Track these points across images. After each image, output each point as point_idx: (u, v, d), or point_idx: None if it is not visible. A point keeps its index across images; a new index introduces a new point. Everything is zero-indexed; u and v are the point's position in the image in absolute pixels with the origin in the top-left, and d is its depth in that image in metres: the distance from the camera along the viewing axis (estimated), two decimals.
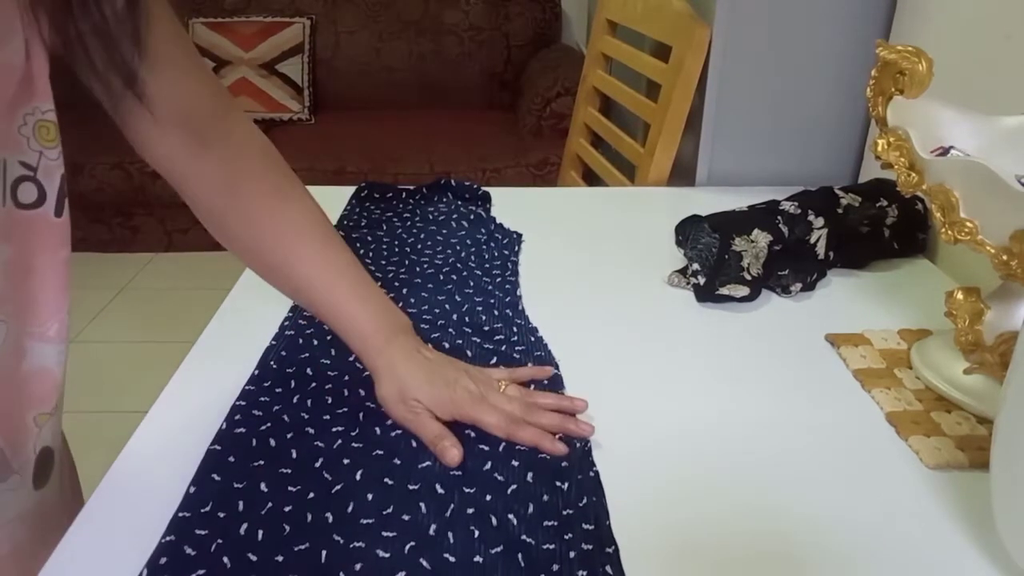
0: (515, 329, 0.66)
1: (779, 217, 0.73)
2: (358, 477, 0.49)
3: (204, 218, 0.58)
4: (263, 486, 0.48)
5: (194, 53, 0.55)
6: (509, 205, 0.92)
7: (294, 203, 0.59)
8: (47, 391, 0.51)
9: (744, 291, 0.70)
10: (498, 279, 0.75)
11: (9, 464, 0.49)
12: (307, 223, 0.59)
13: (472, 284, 0.73)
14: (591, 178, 1.42)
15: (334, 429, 0.53)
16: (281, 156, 0.60)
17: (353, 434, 0.53)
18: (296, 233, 0.58)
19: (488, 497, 0.47)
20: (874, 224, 0.78)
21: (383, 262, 0.78)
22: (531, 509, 0.46)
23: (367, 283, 0.60)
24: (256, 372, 0.59)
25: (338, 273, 0.59)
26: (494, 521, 0.45)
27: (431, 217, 0.88)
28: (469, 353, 0.62)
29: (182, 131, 0.54)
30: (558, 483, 0.48)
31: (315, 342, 0.63)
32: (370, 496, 0.47)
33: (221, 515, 0.46)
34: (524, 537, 0.44)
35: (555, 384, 0.59)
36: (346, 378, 0.59)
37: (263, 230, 0.58)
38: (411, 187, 0.95)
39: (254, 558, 0.43)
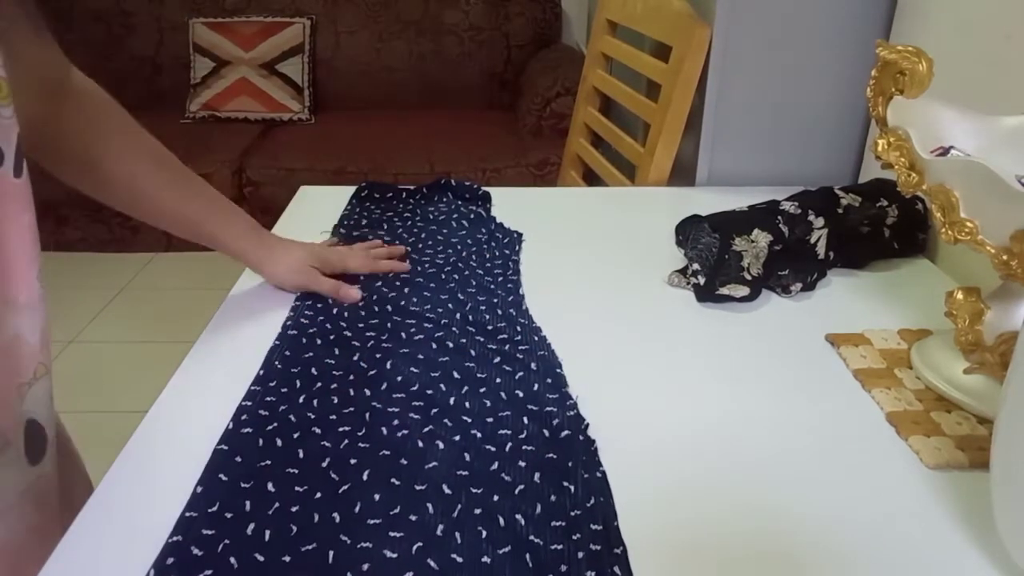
0: (518, 328, 0.66)
1: (779, 217, 0.73)
2: (365, 477, 0.49)
3: (74, 177, 0.62)
4: (270, 486, 0.48)
5: (21, 16, 0.55)
6: (509, 205, 0.93)
7: (146, 138, 0.65)
8: (23, 360, 0.50)
9: (744, 291, 0.71)
10: (500, 278, 0.75)
11: (4, 436, 0.49)
12: (162, 155, 0.66)
13: (474, 283, 0.74)
14: (591, 178, 1.43)
15: (340, 429, 0.53)
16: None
17: (360, 434, 0.53)
18: (157, 164, 0.65)
19: (495, 497, 0.48)
20: (874, 224, 0.78)
21: None
22: (539, 509, 0.47)
23: (218, 197, 0.70)
24: (261, 372, 0.60)
25: (194, 194, 0.68)
26: (502, 521, 0.46)
27: (431, 217, 0.88)
28: (472, 352, 0.62)
29: (37, 99, 0.56)
30: (565, 483, 0.49)
31: (318, 341, 0.64)
32: (377, 496, 0.47)
33: (228, 515, 0.46)
34: (532, 538, 0.45)
35: (557, 383, 0.59)
36: (351, 377, 0.59)
37: (130, 167, 0.64)
38: (411, 187, 0.95)
39: (261, 558, 0.43)
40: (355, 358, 0.61)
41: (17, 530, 0.51)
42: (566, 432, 0.53)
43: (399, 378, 0.59)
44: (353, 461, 0.51)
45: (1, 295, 0.48)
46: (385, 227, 0.86)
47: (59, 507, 0.54)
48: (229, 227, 0.70)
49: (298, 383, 0.58)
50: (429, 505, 0.47)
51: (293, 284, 0.71)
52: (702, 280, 0.71)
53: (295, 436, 0.53)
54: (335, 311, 0.68)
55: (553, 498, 0.48)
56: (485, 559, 0.43)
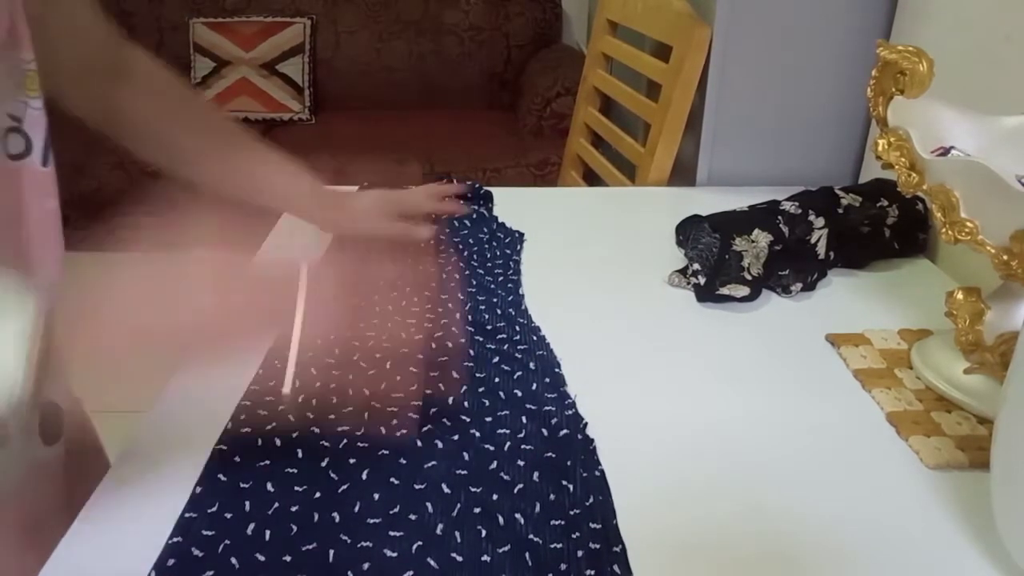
0: (518, 328, 0.66)
1: (779, 217, 0.73)
2: (364, 477, 0.49)
3: (141, 148, 0.66)
4: (269, 486, 0.48)
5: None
6: (510, 205, 0.93)
7: (208, 110, 0.70)
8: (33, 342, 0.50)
9: (744, 291, 0.71)
10: (500, 278, 0.75)
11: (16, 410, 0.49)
12: (221, 125, 0.70)
13: (475, 283, 0.74)
14: (591, 178, 1.43)
15: (339, 428, 0.53)
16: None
17: (358, 433, 0.53)
18: (217, 134, 0.69)
19: (495, 496, 0.48)
20: (874, 224, 0.78)
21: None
22: (538, 508, 0.47)
23: (283, 160, 0.73)
24: (260, 371, 0.60)
25: (259, 160, 0.71)
26: (501, 520, 0.46)
27: (432, 216, 0.88)
28: (472, 352, 0.62)
29: (98, 78, 0.61)
30: (564, 482, 0.49)
31: (318, 340, 0.63)
32: (376, 496, 0.47)
33: (228, 515, 0.46)
34: (531, 536, 0.45)
35: (556, 383, 0.59)
36: (350, 377, 0.59)
37: (193, 140, 0.68)
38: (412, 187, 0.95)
39: (262, 558, 0.43)
40: (355, 358, 0.61)
41: (22, 508, 0.52)
42: (565, 431, 0.53)
43: (398, 377, 0.59)
44: (352, 460, 0.50)
45: (26, 280, 0.48)
46: None
47: (65, 486, 0.55)
48: (296, 189, 0.74)
49: (297, 382, 0.58)
50: (428, 504, 0.47)
51: (365, 232, 0.74)
52: (702, 280, 0.71)
53: (294, 436, 0.53)
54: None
55: (552, 497, 0.48)
56: (485, 558, 0.43)
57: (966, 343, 0.57)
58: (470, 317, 0.68)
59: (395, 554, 0.43)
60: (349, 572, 0.42)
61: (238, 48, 2.74)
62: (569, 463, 0.50)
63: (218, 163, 0.69)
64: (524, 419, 0.55)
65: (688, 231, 0.75)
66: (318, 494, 0.48)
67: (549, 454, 0.51)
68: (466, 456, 0.51)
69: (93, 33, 0.61)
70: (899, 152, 0.57)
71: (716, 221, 0.72)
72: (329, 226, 0.75)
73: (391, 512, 0.46)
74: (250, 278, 0.49)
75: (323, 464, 0.50)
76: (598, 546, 0.44)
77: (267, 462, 0.50)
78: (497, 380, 0.59)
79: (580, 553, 0.44)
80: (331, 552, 0.44)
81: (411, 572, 0.42)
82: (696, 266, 0.72)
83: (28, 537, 0.50)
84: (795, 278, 0.72)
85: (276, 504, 0.47)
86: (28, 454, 0.52)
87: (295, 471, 0.50)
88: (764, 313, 0.71)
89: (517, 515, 0.46)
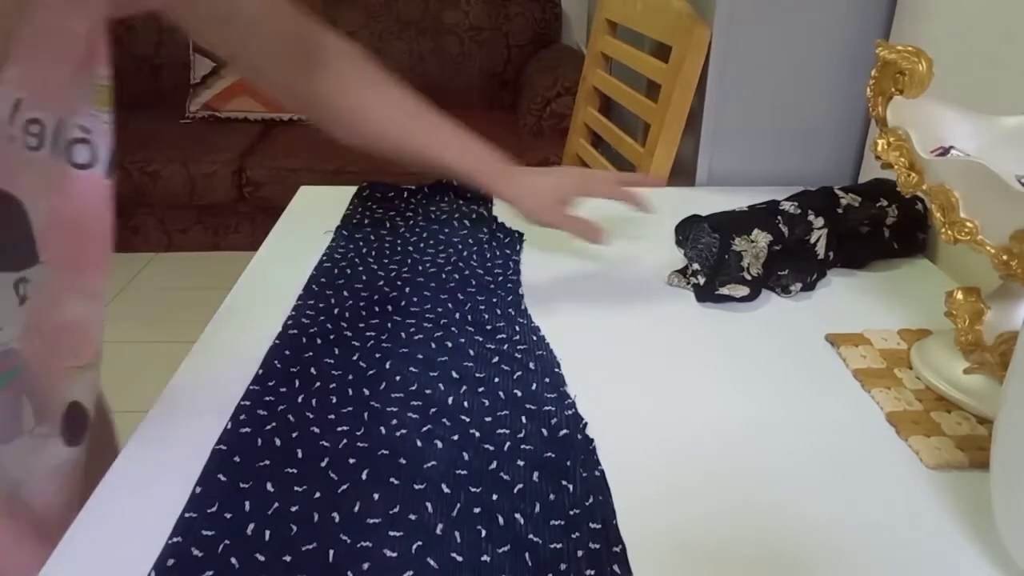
0: (517, 328, 0.66)
1: (779, 217, 0.73)
2: (364, 477, 0.49)
3: (336, 128, 0.72)
4: (269, 486, 0.48)
5: None
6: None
7: (399, 89, 0.73)
8: (79, 345, 0.54)
9: (744, 291, 0.71)
10: (500, 278, 0.75)
11: (43, 409, 0.52)
12: (413, 102, 0.74)
13: (474, 283, 0.74)
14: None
15: (339, 429, 0.53)
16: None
17: (358, 433, 0.53)
18: (408, 111, 0.74)
19: (494, 496, 0.48)
20: (874, 224, 0.78)
21: (385, 261, 0.78)
22: (537, 508, 0.47)
23: (466, 135, 0.76)
24: (260, 372, 0.60)
25: (450, 135, 0.75)
26: (501, 520, 0.46)
27: (433, 216, 0.88)
28: (471, 352, 0.62)
29: (287, 62, 0.67)
30: (564, 482, 0.49)
31: (318, 341, 0.64)
32: (376, 496, 0.47)
33: (228, 515, 0.46)
34: (531, 536, 0.45)
35: (555, 382, 0.59)
36: (350, 377, 0.59)
37: (384, 114, 0.73)
38: (413, 187, 0.95)
39: (262, 558, 0.43)
40: (354, 358, 0.61)
41: (39, 505, 0.52)
42: (564, 431, 0.53)
43: (398, 377, 0.59)
44: (352, 460, 0.50)
45: (75, 283, 0.52)
46: (387, 226, 0.86)
47: (83, 486, 0.56)
48: (480, 163, 0.75)
49: (297, 383, 0.58)
50: (428, 504, 0.47)
51: (544, 222, 0.75)
52: (702, 280, 0.71)
53: (294, 436, 0.53)
54: (336, 311, 0.68)
55: (552, 497, 0.48)
56: (485, 558, 0.43)
57: (966, 343, 0.57)
58: (470, 317, 0.68)
59: (395, 554, 0.43)
60: (349, 572, 0.42)
61: None
62: (569, 463, 0.50)
63: (411, 140, 0.74)
64: (524, 419, 0.55)
65: (687, 231, 0.75)
66: (318, 494, 0.48)
67: (549, 454, 0.51)
68: (466, 456, 0.51)
69: (281, 22, 0.66)
70: (898, 152, 0.57)
71: (715, 221, 0.72)
72: (514, 202, 0.76)
73: (391, 512, 0.46)
74: None
75: (323, 464, 0.50)
76: (598, 546, 0.44)
77: (267, 462, 0.50)
78: (497, 380, 0.59)
79: (580, 553, 0.44)
80: (331, 552, 0.44)
81: (411, 572, 0.42)
82: (695, 266, 0.72)
83: (41, 538, 0.50)
84: (795, 278, 0.72)
85: (276, 504, 0.47)
86: (48, 453, 0.53)
87: (295, 471, 0.50)
88: (764, 313, 0.71)
89: (517, 515, 0.46)
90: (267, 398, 0.57)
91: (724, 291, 0.71)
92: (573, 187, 0.76)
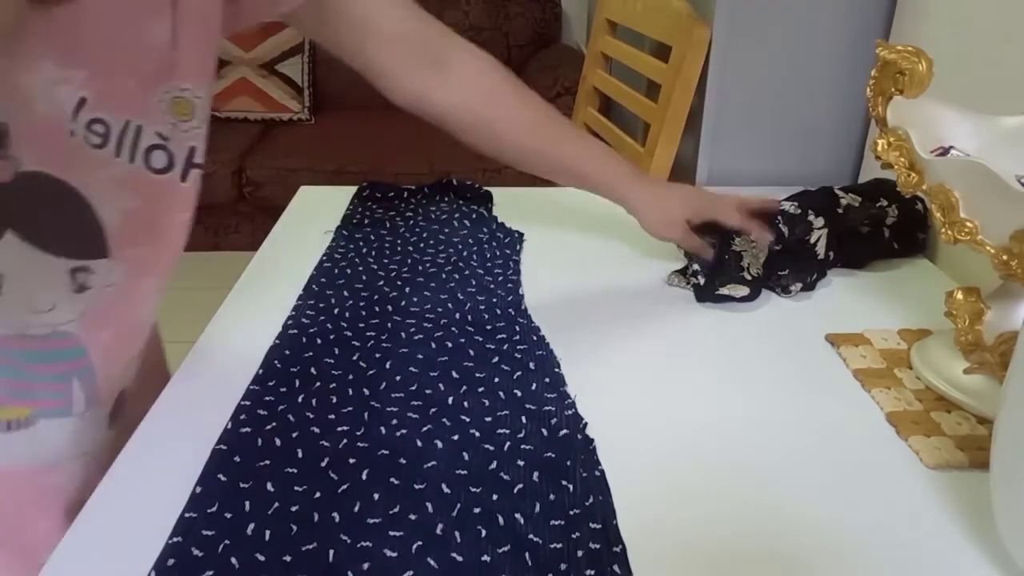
0: (517, 328, 0.66)
1: (779, 217, 0.73)
2: (364, 477, 0.49)
3: (468, 136, 0.73)
4: (269, 486, 0.48)
5: (399, 3, 0.67)
6: (510, 205, 0.93)
7: (529, 98, 0.74)
8: (140, 338, 0.58)
9: (744, 291, 0.71)
10: (500, 278, 0.75)
11: (98, 397, 0.56)
12: (548, 112, 0.74)
13: (474, 283, 0.74)
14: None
15: (339, 429, 0.53)
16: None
17: (358, 433, 0.53)
18: (545, 121, 0.74)
19: (495, 496, 0.48)
20: (874, 224, 0.78)
21: (386, 261, 0.78)
22: (538, 508, 0.47)
23: (595, 144, 0.77)
24: (260, 372, 0.60)
25: (584, 147, 0.76)
26: (501, 520, 0.46)
27: (433, 216, 0.88)
28: (471, 352, 0.62)
29: (417, 70, 0.68)
30: (564, 482, 0.49)
31: (318, 341, 0.64)
32: (376, 496, 0.47)
33: (228, 515, 0.46)
34: (531, 536, 0.45)
35: (555, 382, 0.59)
36: (350, 377, 0.59)
37: (519, 127, 0.73)
38: (413, 187, 0.95)
39: (262, 558, 0.43)
40: (354, 358, 0.61)
41: (70, 482, 0.56)
42: (564, 431, 0.53)
43: (398, 378, 0.59)
44: (352, 460, 0.51)
45: (146, 282, 0.56)
46: (387, 226, 0.86)
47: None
48: (610, 174, 0.75)
49: (297, 383, 0.58)
50: (428, 504, 0.47)
51: (664, 237, 0.75)
52: (701, 280, 0.71)
53: (294, 436, 0.53)
54: (336, 311, 0.68)
55: (552, 497, 0.48)
56: (485, 558, 0.43)
57: (966, 343, 0.57)
58: (470, 317, 0.68)
59: (395, 554, 0.43)
60: (349, 572, 0.42)
61: (237, 48, 2.74)
62: (569, 463, 0.50)
63: (538, 151, 0.74)
64: (524, 419, 0.55)
65: None
66: (318, 494, 0.48)
67: (549, 454, 0.51)
68: (466, 456, 0.51)
69: (405, 30, 0.68)
70: (898, 152, 0.57)
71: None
72: (638, 215, 0.76)
73: (391, 512, 0.46)
74: None
75: (323, 464, 0.50)
76: (598, 546, 0.44)
77: (267, 462, 0.50)
78: (497, 380, 0.59)
79: (580, 553, 0.44)
80: (331, 552, 0.44)
81: (411, 572, 0.42)
82: (695, 266, 0.72)
83: (67, 513, 0.53)
84: (794, 278, 0.72)
85: (276, 504, 0.47)
86: (90, 436, 0.57)
87: (295, 471, 0.50)
88: (764, 313, 0.71)
89: (517, 515, 0.46)
90: (267, 398, 0.57)
91: (724, 291, 0.71)
92: (698, 210, 0.74)
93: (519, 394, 0.57)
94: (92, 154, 0.48)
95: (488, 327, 0.66)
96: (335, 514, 0.46)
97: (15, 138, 0.45)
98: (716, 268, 0.70)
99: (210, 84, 0.55)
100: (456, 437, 0.53)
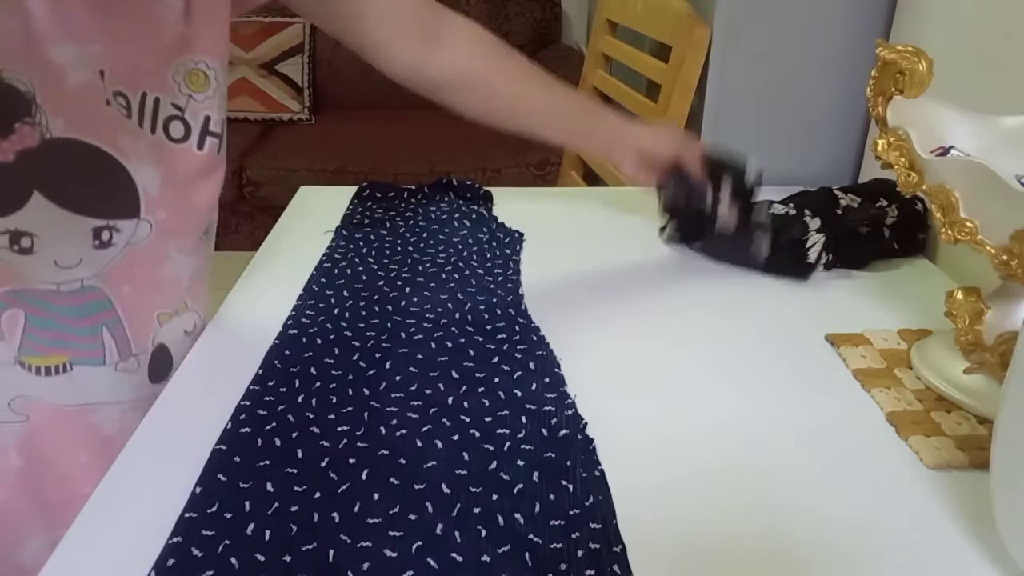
0: (517, 328, 0.66)
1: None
2: (364, 477, 0.49)
3: (463, 106, 0.75)
4: (269, 486, 0.48)
5: None
6: (510, 205, 0.93)
7: (518, 56, 0.77)
8: (173, 294, 0.63)
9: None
10: (500, 278, 0.75)
11: (130, 348, 0.60)
12: (537, 69, 0.78)
13: (474, 283, 0.74)
14: (591, 178, 1.43)
15: (339, 429, 0.53)
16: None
17: (358, 433, 0.53)
18: (536, 76, 0.77)
19: (494, 497, 0.48)
20: (874, 224, 0.78)
21: (386, 260, 0.78)
22: (537, 508, 0.47)
23: (582, 99, 0.83)
24: (260, 372, 0.60)
25: (567, 102, 0.80)
26: (501, 520, 0.46)
27: (433, 216, 0.88)
28: (471, 352, 0.62)
29: (412, 41, 0.70)
30: (564, 482, 0.49)
31: (318, 341, 0.64)
32: (376, 496, 0.47)
33: (228, 515, 0.46)
34: (531, 536, 0.45)
35: (555, 382, 0.59)
36: (350, 377, 0.59)
37: (514, 83, 0.76)
38: (413, 187, 0.95)
39: (262, 558, 0.43)
40: (354, 358, 0.61)
41: (122, 429, 0.59)
42: (564, 431, 0.53)
43: (398, 378, 0.59)
44: (352, 461, 0.51)
45: (173, 242, 0.60)
46: (387, 226, 0.86)
47: None
48: (603, 138, 0.80)
49: (297, 383, 0.58)
50: (428, 504, 0.47)
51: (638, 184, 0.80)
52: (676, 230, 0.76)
53: (294, 436, 0.53)
54: (336, 311, 0.68)
55: (552, 497, 0.48)
56: (485, 558, 0.43)
57: (966, 343, 0.57)
58: (470, 317, 0.68)
59: (395, 554, 0.43)
60: (349, 572, 0.42)
61: (237, 48, 2.74)
62: (569, 463, 0.50)
63: (533, 108, 0.78)
64: (524, 419, 0.55)
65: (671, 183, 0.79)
66: (318, 494, 0.48)
67: (549, 454, 0.51)
68: (466, 456, 0.51)
69: (400, 1, 0.70)
70: (899, 152, 0.57)
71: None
72: (619, 169, 0.80)
73: (391, 512, 0.46)
74: None
75: (323, 464, 0.50)
76: (598, 546, 0.44)
77: (267, 462, 0.50)
78: (497, 380, 0.59)
79: (580, 553, 0.44)
80: (331, 552, 0.44)
81: (411, 572, 0.42)
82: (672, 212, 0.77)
83: (103, 456, 0.55)
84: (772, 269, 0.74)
85: (276, 504, 0.47)
86: (130, 386, 0.61)
87: (295, 471, 0.50)
88: (764, 313, 0.71)
89: (517, 515, 0.46)
90: (267, 398, 0.57)
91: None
92: (671, 151, 0.77)
93: (519, 394, 0.57)
94: (127, 123, 0.53)
95: (488, 327, 0.66)
96: (335, 514, 0.46)
97: (43, 106, 0.49)
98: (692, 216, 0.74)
99: (224, 57, 0.59)
100: (456, 437, 0.53)
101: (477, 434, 0.53)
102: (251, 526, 0.45)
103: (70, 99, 0.50)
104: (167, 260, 0.60)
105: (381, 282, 0.74)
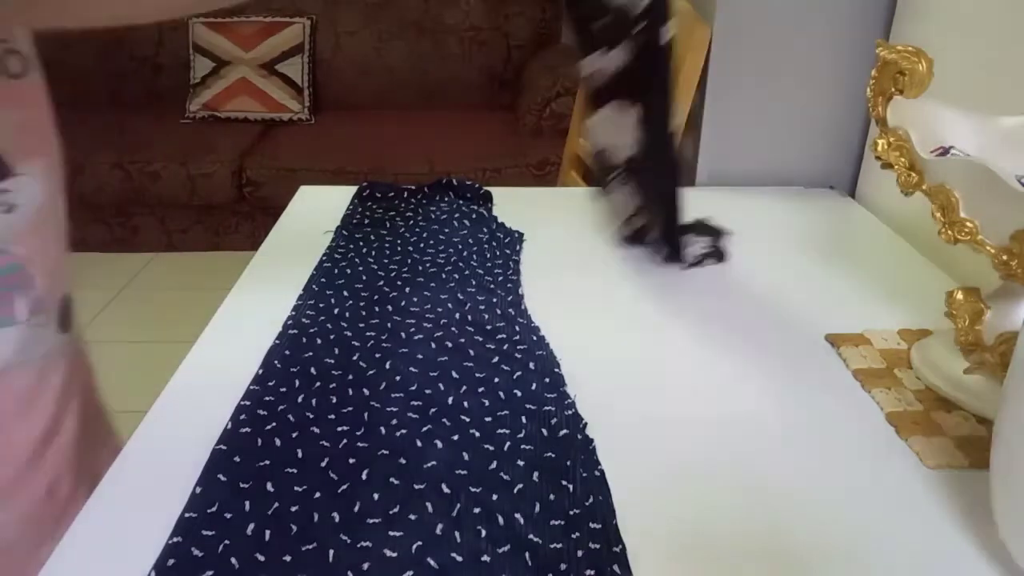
0: (517, 328, 0.66)
1: None
2: (364, 477, 0.49)
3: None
4: (269, 486, 0.48)
5: None
6: (510, 205, 0.93)
7: None
8: (64, 238, 0.60)
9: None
10: (500, 278, 0.75)
11: (44, 306, 0.57)
12: None
13: (474, 283, 0.74)
14: (592, 178, 1.43)
15: (339, 429, 0.53)
16: None
17: (358, 433, 0.53)
18: None
19: (494, 497, 0.48)
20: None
21: (385, 260, 0.78)
22: (537, 508, 0.47)
23: None
24: (260, 372, 0.60)
25: None
26: (501, 520, 0.46)
27: (433, 216, 0.88)
28: (471, 352, 0.62)
29: None
30: (564, 482, 0.49)
31: (318, 341, 0.64)
32: (376, 496, 0.47)
33: (228, 515, 0.46)
34: (531, 536, 0.45)
35: (555, 382, 0.59)
36: (350, 377, 0.59)
37: None
38: (413, 187, 0.95)
39: (262, 558, 0.43)
40: (355, 358, 0.61)
41: (45, 384, 0.58)
42: (564, 431, 0.53)
43: (398, 378, 0.59)
44: (352, 461, 0.51)
45: (35, 172, 0.55)
46: (387, 226, 0.86)
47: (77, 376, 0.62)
48: None
49: (297, 382, 0.58)
50: (428, 504, 0.47)
51: None
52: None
53: (294, 436, 0.53)
54: (336, 311, 0.68)
55: (552, 497, 0.48)
56: (485, 558, 0.43)
57: (966, 343, 0.57)
58: (470, 317, 0.68)
59: (395, 554, 0.43)
60: (349, 572, 0.42)
61: (238, 48, 2.74)
62: (569, 463, 0.51)
63: None
64: (524, 419, 0.55)
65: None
66: (318, 494, 0.48)
67: (549, 454, 0.51)
68: (466, 456, 0.51)
69: None
70: (899, 152, 0.57)
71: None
72: None
73: (391, 512, 0.46)
74: None
75: (323, 464, 0.50)
76: (598, 546, 0.44)
77: (267, 462, 0.50)
78: (497, 380, 0.59)
79: (580, 553, 0.44)
80: (331, 552, 0.44)
81: (411, 572, 0.42)
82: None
83: (19, 415, 0.55)
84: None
85: (276, 504, 0.47)
86: (45, 337, 0.58)
87: (295, 471, 0.50)
88: (764, 313, 0.71)
89: (517, 515, 0.46)
90: (267, 398, 0.57)
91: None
92: None
93: (519, 394, 0.57)
94: None
95: (488, 327, 0.66)
96: (335, 514, 0.46)
97: None
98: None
99: None
100: (456, 437, 0.53)
101: (477, 434, 0.53)
102: (251, 526, 0.45)
103: None
104: (42, 193, 0.56)
105: (381, 282, 0.74)
